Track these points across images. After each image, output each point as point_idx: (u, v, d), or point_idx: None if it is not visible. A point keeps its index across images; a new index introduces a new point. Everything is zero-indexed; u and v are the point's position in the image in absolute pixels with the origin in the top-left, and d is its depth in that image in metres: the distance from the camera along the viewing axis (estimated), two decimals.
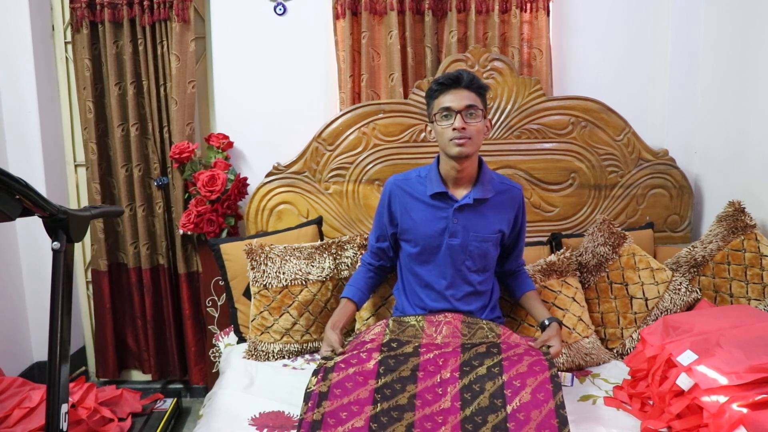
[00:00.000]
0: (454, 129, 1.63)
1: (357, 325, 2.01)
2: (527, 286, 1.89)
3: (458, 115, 1.63)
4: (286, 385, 1.79)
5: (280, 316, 2.01)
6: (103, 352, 2.66)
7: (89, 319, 2.76)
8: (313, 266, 2.05)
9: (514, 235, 1.86)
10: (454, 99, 1.64)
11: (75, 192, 2.67)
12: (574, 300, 2.00)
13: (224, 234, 2.40)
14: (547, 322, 1.75)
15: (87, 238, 2.59)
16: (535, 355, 1.52)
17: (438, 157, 1.78)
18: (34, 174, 2.48)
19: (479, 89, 1.68)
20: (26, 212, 1.13)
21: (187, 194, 2.49)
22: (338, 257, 2.09)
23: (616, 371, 1.89)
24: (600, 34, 2.57)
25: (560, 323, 1.77)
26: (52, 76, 2.57)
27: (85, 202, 2.67)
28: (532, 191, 2.46)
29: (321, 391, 1.40)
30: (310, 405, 1.37)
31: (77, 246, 2.56)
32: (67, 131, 2.64)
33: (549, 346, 1.63)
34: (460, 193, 1.74)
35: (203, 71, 2.58)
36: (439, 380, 1.45)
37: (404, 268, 1.84)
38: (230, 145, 2.53)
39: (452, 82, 1.65)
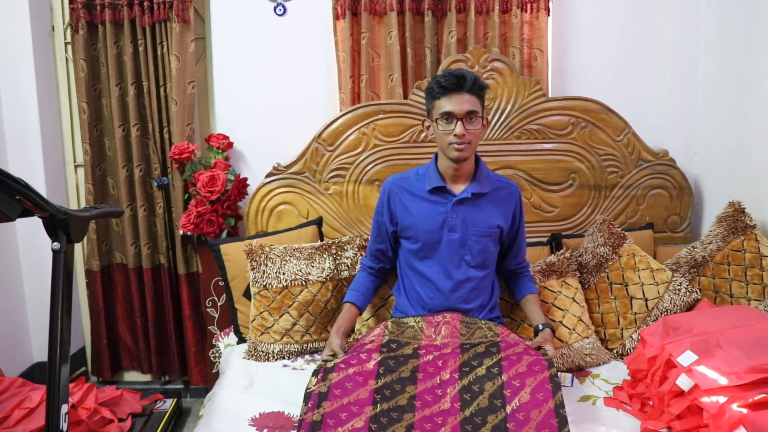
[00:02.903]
0: (455, 135, 1.65)
1: (357, 326, 2.01)
2: (527, 290, 1.90)
3: (459, 122, 1.65)
4: (286, 386, 1.79)
5: (280, 317, 2.01)
6: (98, 352, 2.66)
7: (89, 319, 2.76)
8: (313, 267, 2.05)
9: (512, 233, 1.87)
10: (455, 104, 1.65)
11: (75, 192, 2.67)
12: (574, 300, 2.00)
13: (224, 234, 2.40)
14: (540, 327, 1.76)
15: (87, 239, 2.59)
16: (534, 355, 1.52)
17: (436, 155, 1.80)
18: (34, 174, 2.48)
19: (480, 91, 1.69)
20: (26, 213, 1.13)
21: (187, 195, 2.49)
22: (338, 258, 2.09)
23: (616, 372, 1.89)
24: (600, 34, 2.57)
25: (553, 330, 1.77)
26: (51, 77, 2.57)
27: (85, 203, 2.67)
28: (532, 192, 2.46)
29: (321, 392, 1.40)
30: (310, 405, 1.38)
31: (77, 246, 2.57)
32: (67, 131, 2.64)
33: (543, 350, 1.63)
34: (458, 188, 1.77)
35: (203, 72, 2.58)
36: (438, 381, 1.45)
37: (404, 265, 1.85)
38: (230, 145, 2.53)
39: (454, 86, 1.66)
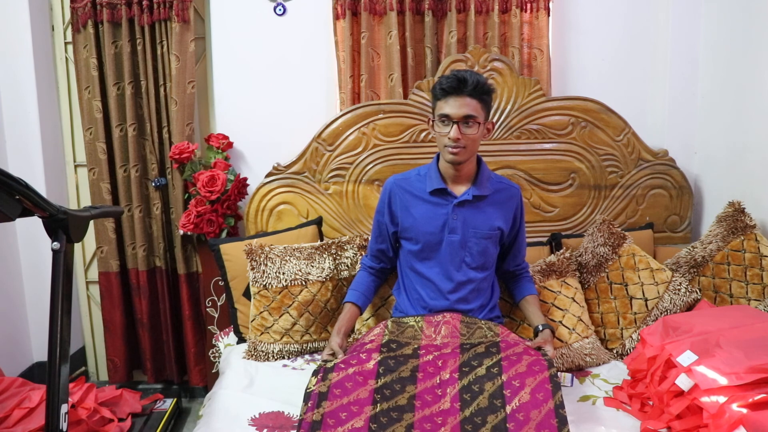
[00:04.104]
0: (449, 138, 1.65)
1: (357, 326, 2.00)
2: (527, 291, 1.90)
3: (455, 126, 1.65)
4: (285, 386, 1.79)
5: (280, 317, 2.01)
6: (113, 357, 2.62)
7: (89, 319, 2.76)
8: (312, 266, 2.05)
9: (512, 235, 1.87)
10: (453, 107, 1.65)
11: (75, 192, 2.67)
12: (574, 300, 2.00)
13: (224, 234, 2.40)
14: (540, 328, 1.76)
15: (87, 238, 2.59)
16: (534, 355, 1.52)
17: (438, 155, 1.80)
18: (33, 174, 2.48)
19: (482, 95, 1.67)
20: (26, 212, 1.13)
21: (186, 194, 2.48)
22: (338, 257, 2.09)
23: (615, 372, 1.89)
24: (600, 34, 2.57)
25: (553, 331, 1.78)
26: (52, 76, 2.57)
27: (84, 202, 2.67)
28: (532, 192, 2.46)
29: (321, 392, 1.40)
30: (309, 405, 1.38)
31: (77, 246, 2.58)
32: (67, 131, 2.63)
33: (543, 350, 1.63)
34: (459, 190, 1.77)
35: (203, 71, 2.58)
36: (438, 381, 1.45)
37: (404, 265, 1.85)
38: (230, 145, 2.53)
39: (454, 89, 1.65)
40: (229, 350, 2.14)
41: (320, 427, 1.32)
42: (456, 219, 1.75)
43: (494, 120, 2.42)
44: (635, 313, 2.02)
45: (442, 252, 1.76)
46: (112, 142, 2.52)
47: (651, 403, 1.60)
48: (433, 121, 1.72)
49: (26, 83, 2.45)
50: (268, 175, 2.44)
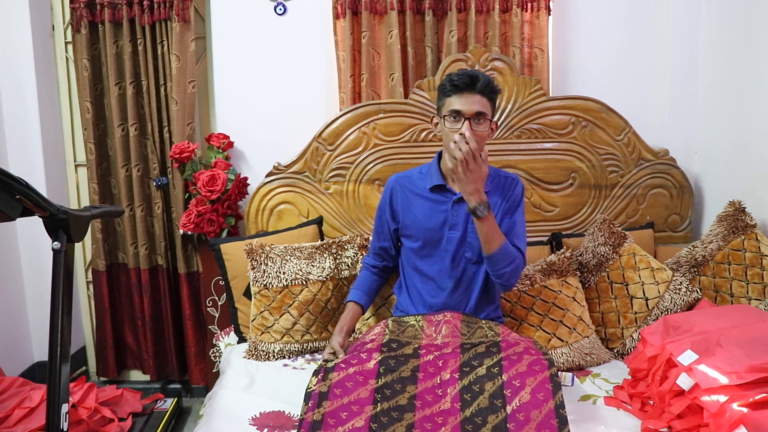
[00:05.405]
0: (460, 134, 1.63)
1: (358, 325, 2.00)
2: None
3: (466, 122, 1.64)
4: (286, 385, 1.79)
5: (281, 316, 2.01)
6: (103, 352, 2.66)
7: (89, 319, 2.76)
8: (313, 266, 2.05)
9: (508, 219, 1.77)
10: (465, 103, 1.64)
11: (75, 192, 2.67)
12: (575, 300, 2.00)
13: (224, 234, 2.40)
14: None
15: (87, 238, 2.59)
16: (534, 354, 1.52)
17: (440, 153, 1.80)
18: (34, 174, 2.48)
19: (491, 94, 1.68)
20: (26, 212, 1.13)
21: (187, 194, 2.49)
22: (338, 257, 2.09)
23: (616, 371, 1.89)
24: (601, 33, 2.57)
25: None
26: (52, 76, 2.57)
27: (85, 202, 2.67)
28: (532, 191, 2.46)
29: (321, 391, 1.40)
30: (310, 405, 1.38)
31: (77, 246, 2.57)
32: (67, 131, 2.64)
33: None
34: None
35: (203, 71, 2.58)
36: (439, 381, 1.45)
37: (405, 263, 1.86)
38: (230, 145, 2.53)
39: (466, 85, 1.64)
40: (229, 350, 2.14)
41: (321, 426, 1.32)
42: (456, 215, 1.75)
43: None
44: (636, 313, 2.02)
45: (442, 248, 1.76)
46: (107, 141, 2.54)
47: (651, 402, 1.60)
48: (443, 117, 1.69)
49: (27, 83, 2.45)
50: (268, 175, 2.44)
